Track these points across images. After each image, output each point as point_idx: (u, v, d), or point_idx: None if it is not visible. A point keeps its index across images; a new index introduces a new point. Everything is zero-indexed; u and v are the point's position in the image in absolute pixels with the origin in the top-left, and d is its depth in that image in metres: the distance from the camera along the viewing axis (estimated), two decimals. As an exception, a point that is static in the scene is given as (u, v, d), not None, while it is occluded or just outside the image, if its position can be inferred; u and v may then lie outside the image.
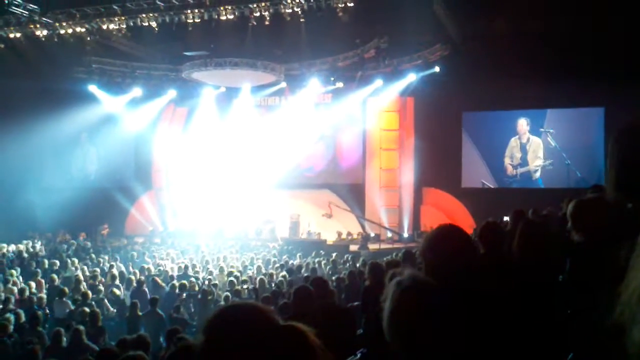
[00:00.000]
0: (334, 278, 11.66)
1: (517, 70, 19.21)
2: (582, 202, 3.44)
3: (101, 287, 12.29)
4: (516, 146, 23.01)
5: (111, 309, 11.38)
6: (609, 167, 1.85)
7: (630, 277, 0.86)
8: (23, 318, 8.87)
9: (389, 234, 23.44)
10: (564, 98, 20.74)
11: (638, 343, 0.78)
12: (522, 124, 22.88)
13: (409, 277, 1.93)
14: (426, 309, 1.86)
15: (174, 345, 5.52)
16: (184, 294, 11.59)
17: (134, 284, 12.50)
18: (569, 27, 17.95)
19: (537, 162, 22.71)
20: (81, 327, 7.81)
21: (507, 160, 23.14)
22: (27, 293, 11.49)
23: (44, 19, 20.64)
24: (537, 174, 22.71)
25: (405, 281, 1.91)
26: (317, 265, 15.05)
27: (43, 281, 13.16)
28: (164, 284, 12.62)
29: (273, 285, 11.98)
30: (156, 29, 20.21)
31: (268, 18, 19.06)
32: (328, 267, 14.93)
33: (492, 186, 23.03)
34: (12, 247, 18.69)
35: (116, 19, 20.33)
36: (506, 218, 8.10)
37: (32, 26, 20.89)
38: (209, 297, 11.09)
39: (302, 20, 18.92)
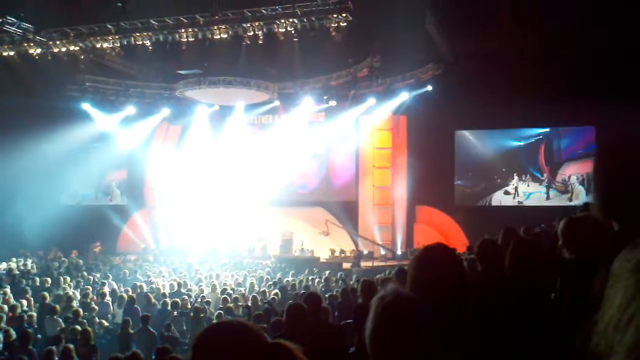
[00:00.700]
0: (327, 295, 11.62)
1: (509, 89, 19.35)
2: (573, 220, 3.47)
3: (93, 305, 12.22)
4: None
5: (105, 324, 11.33)
6: (593, 185, 1.86)
7: (605, 308, 0.87)
8: (13, 336, 8.79)
9: (383, 252, 23.42)
10: (556, 117, 20.89)
11: None
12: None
13: (391, 291, 1.94)
14: (408, 323, 1.86)
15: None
16: (175, 312, 11.54)
17: (126, 302, 12.44)
18: (560, 46, 18.13)
19: (531, 180, 22.80)
20: (70, 346, 7.75)
21: (500, 179, 23.22)
22: (19, 311, 11.41)
23: (38, 37, 20.69)
24: (531, 193, 22.79)
25: (388, 296, 1.92)
26: (310, 283, 15.01)
27: (32, 299, 13.07)
28: (155, 302, 12.55)
29: (266, 303, 11.93)
30: (150, 48, 20.29)
31: (261, 37, 19.16)
32: (321, 285, 14.89)
33: (483, 204, 23.10)
34: (3, 265, 18.57)
35: (110, 38, 20.39)
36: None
37: (25, 44, 20.93)
38: (202, 315, 11.03)
39: (295, 39, 19.05)
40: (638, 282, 0.80)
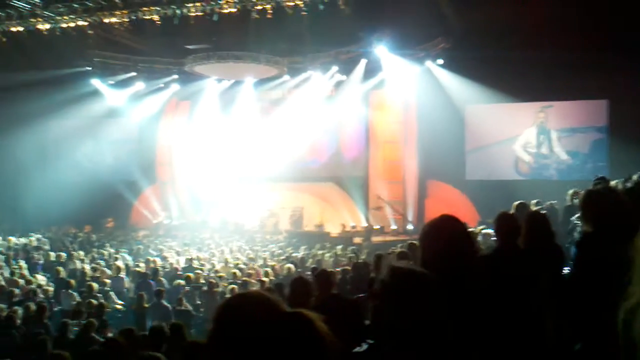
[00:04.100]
0: (338, 269, 11.68)
1: (521, 62, 19.17)
2: (593, 193, 3.47)
3: (106, 280, 12.35)
4: (529, 139, 22.87)
5: (117, 301, 11.44)
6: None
7: (635, 282, 0.88)
8: (32, 310, 8.89)
9: (393, 227, 23.45)
10: (569, 90, 20.65)
11: None
12: (538, 116, 22.71)
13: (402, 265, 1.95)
14: (418, 292, 1.87)
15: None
16: (187, 287, 11.63)
17: (139, 277, 12.56)
18: (574, 18, 17.88)
19: (546, 155, 22.63)
20: (94, 321, 7.85)
21: (517, 151, 23.00)
22: (34, 285, 11.54)
23: (46, 12, 20.62)
24: (545, 167, 22.65)
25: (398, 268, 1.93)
26: (321, 257, 15.09)
27: (40, 275, 13.22)
28: (163, 279, 12.57)
29: (278, 277, 12.03)
30: (158, 23, 20.21)
31: (270, 11, 19.04)
32: (332, 259, 14.96)
33: (495, 179, 22.99)
34: (18, 240, 18.77)
35: (118, 13, 20.31)
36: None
37: (33, 20, 20.90)
38: (215, 289, 11.11)
39: (304, 13, 18.90)
40: None
